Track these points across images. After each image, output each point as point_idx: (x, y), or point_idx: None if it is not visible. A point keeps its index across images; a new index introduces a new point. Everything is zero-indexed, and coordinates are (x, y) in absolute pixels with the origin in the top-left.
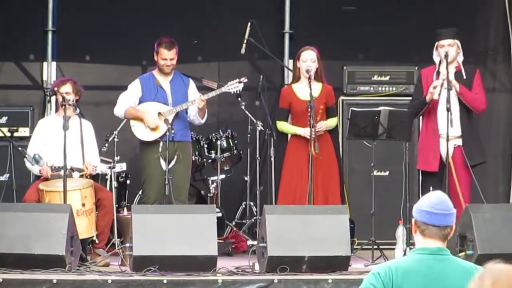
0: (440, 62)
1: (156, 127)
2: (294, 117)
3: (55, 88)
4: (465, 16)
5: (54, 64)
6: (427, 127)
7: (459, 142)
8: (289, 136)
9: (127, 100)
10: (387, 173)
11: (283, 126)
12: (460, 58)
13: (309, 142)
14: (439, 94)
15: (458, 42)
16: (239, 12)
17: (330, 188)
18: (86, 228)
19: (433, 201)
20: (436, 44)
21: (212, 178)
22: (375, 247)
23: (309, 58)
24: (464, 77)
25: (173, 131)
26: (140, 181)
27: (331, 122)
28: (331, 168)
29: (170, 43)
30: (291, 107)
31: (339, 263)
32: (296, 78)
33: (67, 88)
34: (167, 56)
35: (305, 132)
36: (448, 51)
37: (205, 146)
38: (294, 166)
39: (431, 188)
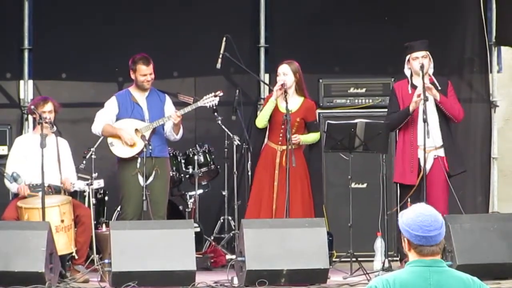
0: (411, 75)
1: (133, 144)
2: (269, 126)
3: (32, 107)
4: (440, 27)
5: (30, 82)
6: (404, 140)
7: (440, 153)
8: (264, 144)
9: (104, 118)
10: (364, 185)
11: (259, 116)
12: (431, 70)
13: (285, 155)
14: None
15: (429, 54)
16: (214, 27)
17: (302, 199)
18: (65, 244)
19: (424, 224)
20: (407, 57)
21: (190, 193)
22: (354, 259)
23: (281, 72)
24: (439, 88)
25: (150, 147)
26: (118, 197)
27: (309, 136)
28: (302, 180)
29: (146, 58)
30: (271, 115)
31: (317, 276)
32: None
33: (49, 106)
34: (146, 71)
35: (276, 87)
36: (423, 62)
37: (183, 161)
38: (263, 176)
39: (409, 200)
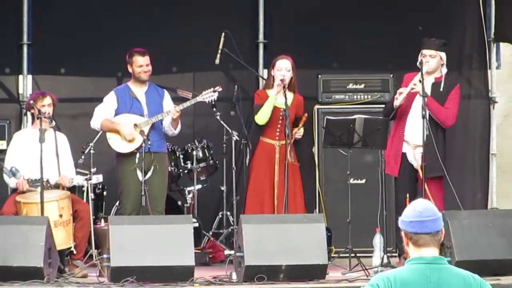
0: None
1: (132, 139)
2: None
3: (31, 102)
4: (440, 24)
5: (29, 77)
6: (394, 133)
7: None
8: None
9: (103, 113)
10: (363, 181)
11: (259, 113)
12: (444, 70)
13: (285, 150)
14: (413, 102)
15: (442, 54)
16: (213, 23)
17: (295, 195)
18: (64, 239)
19: (418, 209)
20: (420, 51)
21: (189, 188)
22: (352, 255)
23: (283, 67)
24: (441, 89)
25: (149, 142)
26: (117, 192)
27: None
28: (295, 176)
29: (142, 51)
30: None
31: (316, 272)
32: (270, 86)
33: (48, 100)
34: (142, 62)
35: (276, 82)
36: (428, 61)
37: (181, 156)
38: (261, 172)
39: (407, 195)
